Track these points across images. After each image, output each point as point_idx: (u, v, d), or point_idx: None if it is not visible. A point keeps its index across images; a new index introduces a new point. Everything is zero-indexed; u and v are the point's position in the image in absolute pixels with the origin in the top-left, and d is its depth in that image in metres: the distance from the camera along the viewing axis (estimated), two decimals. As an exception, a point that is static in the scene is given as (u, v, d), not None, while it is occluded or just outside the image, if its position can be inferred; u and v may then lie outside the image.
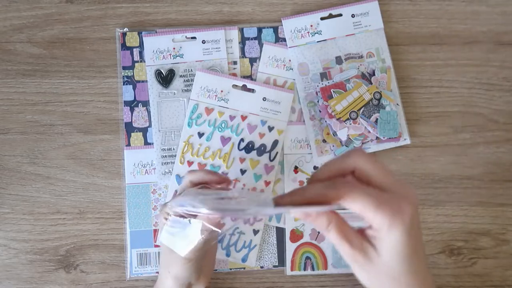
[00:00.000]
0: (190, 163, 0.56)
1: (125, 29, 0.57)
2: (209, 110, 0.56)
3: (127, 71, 0.57)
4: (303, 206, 0.31)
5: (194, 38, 0.57)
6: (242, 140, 0.56)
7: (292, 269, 0.55)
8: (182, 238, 0.41)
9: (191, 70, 0.57)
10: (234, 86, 0.56)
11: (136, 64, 0.57)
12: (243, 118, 0.56)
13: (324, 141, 0.56)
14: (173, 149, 0.56)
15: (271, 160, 0.56)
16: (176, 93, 0.57)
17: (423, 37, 0.59)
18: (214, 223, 0.38)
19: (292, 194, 0.33)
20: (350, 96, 0.55)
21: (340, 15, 0.58)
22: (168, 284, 0.46)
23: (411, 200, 0.31)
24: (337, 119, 0.55)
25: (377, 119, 0.55)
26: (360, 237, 0.33)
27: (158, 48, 0.57)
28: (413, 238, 0.31)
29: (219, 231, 0.38)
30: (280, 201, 0.32)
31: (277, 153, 0.56)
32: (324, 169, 0.34)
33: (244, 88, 0.57)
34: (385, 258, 0.32)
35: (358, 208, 0.30)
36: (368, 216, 0.30)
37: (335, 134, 0.55)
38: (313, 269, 0.55)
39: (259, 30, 0.58)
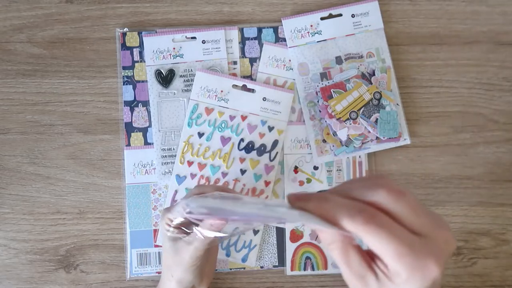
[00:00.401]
0: (190, 163, 0.56)
1: (125, 29, 0.57)
2: (209, 110, 0.56)
3: (127, 71, 0.57)
4: (317, 220, 0.28)
5: (194, 38, 0.57)
6: (242, 140, 0.56)
7: (292, 269, 0.55)
8: (186, 244, 0.41)
9: (191, 70, 0.57)
10: (234, 86, 0.56)
11: (136, 64, 0.57)
12: (243, 118, 0.56)
13: (324, 141, 0.56)
14: (173, 149, 0.56)
15: (271, 160, 0.56)
16: (176, 93, 0.57)
17: (423, 37, 0.59)
18: (218, 228, 0.38)
19: (308, 198, 0.29)
20: (350, 96, 0.55)
21: (340, 15, 0.58)
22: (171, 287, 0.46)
23: (443, 253, 0.27)
24: (337, 119, 0.55)
25: (377, 119, 0.55)
26: (364, 264, 0.28)
27: (158, 48, 0.57)
28: None
29: (225, 235, 0.38)
30: (294, 202, 0.29)
31: (277, 153, 0.56)
32: (345, 189, 0.29)
33: (244, 88, 0.57)
34: None
35: (377, 248, 0.26)
36: (385, 261, 0.27)
37: (335, 134, 0.55)
38: (313, 269, 0.55)
39: (259, 30, 0.58)
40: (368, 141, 0.56)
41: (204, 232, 0.39)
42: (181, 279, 0.44)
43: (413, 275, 0.26)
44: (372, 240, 0.26)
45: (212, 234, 0.38)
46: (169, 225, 0.43)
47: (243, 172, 0.56)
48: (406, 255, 0.26)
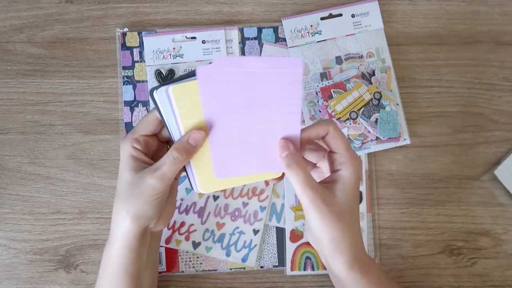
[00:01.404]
0: (190, 163, 0.56)
1: (125, 29, 0.57)
2: (209, 110, 0.56)
3: (127, 71, 0.57)
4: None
5: (194, 38, 0.57)
6: (242, 140, 0.56)
7: (292, 269, 0.55)
8: (152, 172, 0.41)
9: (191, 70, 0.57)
10: (234, 86, 0.56)
11: (136, 64, 0.57)
12: (243, 118, 0.56)
13: (324, 141, 0.56)
14: (173, 149, 0.56)
15: (271, 160, 0.56)
16: (176, 93, 0.57)
17: (423, 37, 0.59)
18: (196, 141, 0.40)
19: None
20: (350, 96, 0.55)
21: (340, 15, 0.58)
22: (125, 227, 0.42)
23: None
24: (337, 119, 0.55)
25: (377, 119, 0.55)
26: (321, 185, 0.41)
27: (158, 48, 0.57)
28: (357, 185, 0.41)
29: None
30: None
31: (277, 153, 0.56)
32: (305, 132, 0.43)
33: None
34: (338, 196, 0.40)
35: (336, 143, 0.41)
36: (339, 152, 0.41)
37: (335, 134, 0.55)
38: (313, 269, 0.55)
39: (259, 30, 0.58)
40: (368, 141, 0.56)
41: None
42: (138, 214, 0.41)
43: (352, 160, 0.41)
44: (335, 135, 0.41)
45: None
46: (136, 148, 0.41)
47: (243, 172, 0.56)
48: (350, 149, 0.41)
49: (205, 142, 0.40)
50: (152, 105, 0.55)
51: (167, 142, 0.45)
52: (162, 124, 0.42)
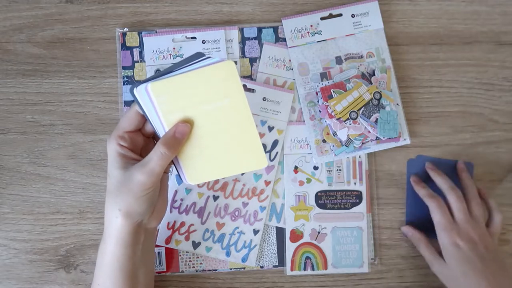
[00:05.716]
0: (190, 163, 0.56)
1: (125, 29, 0.57)
2: (209, 110, 0.56)
3: (127, 71, 0.57)
4: None
5: (194, 38, 0.57)
6: (242, 140, 0.56)
7: (292, 269, 0.55)
8: (140, 167, 0.41)
9: (191, 70, 0.57)
10: (234, 86, 0.56)
11: (136, 64, 0.57)
12: (243, 118, 0.56)
13: (324, 141, 0.56)
14: (173, 149, 0.56)
15: (271, 160, 0.56)
16: (176, 93, 0.57)
17: (423, 37, 0.59)
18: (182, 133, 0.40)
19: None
20: (350, 96, 0.55)
21: (340, 15, 0.58)
22: (118, 224, 0.42)
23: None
24: (337, 119, 0.55)
25: (377, 119, 0.55)
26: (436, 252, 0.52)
27: (158, 48, 0.57)
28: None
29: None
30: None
31: (277, 153, 0.56)
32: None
33: (244, 88, 0.57)
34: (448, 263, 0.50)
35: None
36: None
37: (335, 134, 0.55)
38: (313, 269, 0.55)
39: (259, 30, 0.58)
40: (368, 141, 0.56)
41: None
42: (130, 210, 0.42)
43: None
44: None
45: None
46: (123, 146, 0.41)
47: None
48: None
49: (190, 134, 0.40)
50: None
51: (153, 137, 0.45)
52: (145, 118, 0.43)
